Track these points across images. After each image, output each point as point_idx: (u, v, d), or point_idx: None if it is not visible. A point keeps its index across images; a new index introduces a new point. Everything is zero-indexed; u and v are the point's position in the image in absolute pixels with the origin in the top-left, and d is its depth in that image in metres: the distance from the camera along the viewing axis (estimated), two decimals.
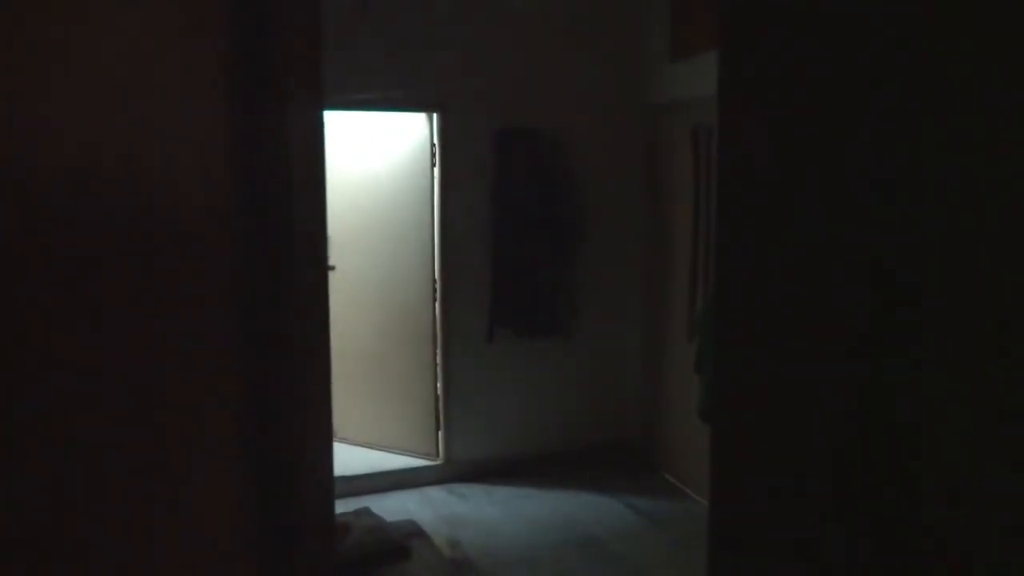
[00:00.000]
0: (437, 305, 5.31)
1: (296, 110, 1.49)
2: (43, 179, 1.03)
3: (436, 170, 5.21)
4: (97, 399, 1.18)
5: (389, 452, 5.49)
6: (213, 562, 1.34)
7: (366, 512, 4.51)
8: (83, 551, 1.16)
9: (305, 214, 1.48)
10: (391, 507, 4.84)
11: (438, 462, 5.39)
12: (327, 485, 1.55)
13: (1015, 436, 1.22)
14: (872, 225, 1.46)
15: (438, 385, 5.37)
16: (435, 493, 5.18)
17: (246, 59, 1.37)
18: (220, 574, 1.32)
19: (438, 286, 5.29)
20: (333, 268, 5.48)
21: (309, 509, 1.46)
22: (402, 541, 4.23)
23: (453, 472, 5.35)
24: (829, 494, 1.59)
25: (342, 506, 4.67)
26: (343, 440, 5.55)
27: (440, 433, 5.39)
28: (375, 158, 5.42)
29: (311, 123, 1.53)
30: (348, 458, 5.35)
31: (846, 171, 1.52)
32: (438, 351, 5.34)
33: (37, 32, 1.06)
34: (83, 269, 1.15)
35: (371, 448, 5.53)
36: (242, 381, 1.38)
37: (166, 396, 1.31)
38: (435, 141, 5.19)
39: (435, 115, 5.17)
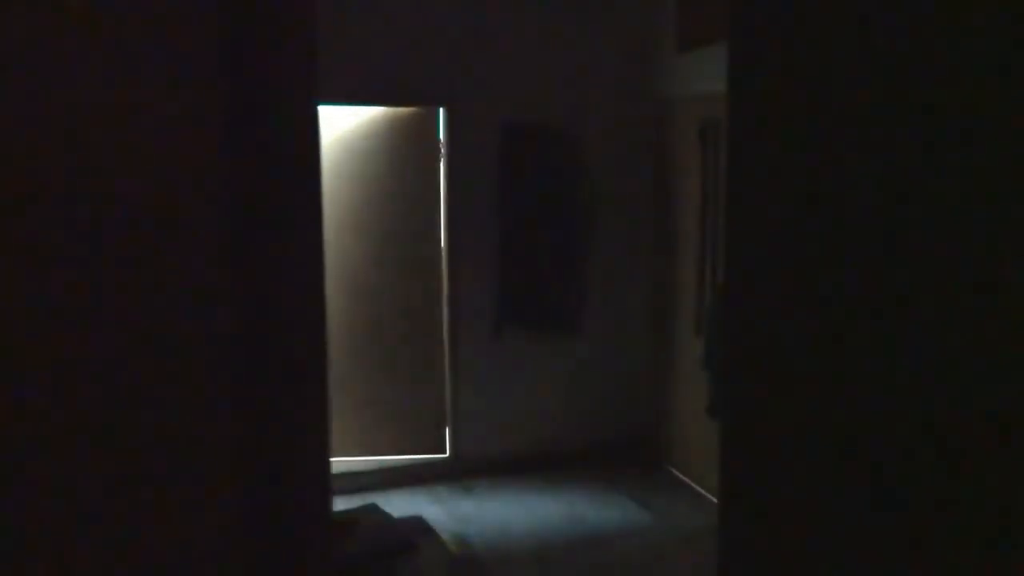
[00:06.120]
0: (445, 300, 5.29)
1: (290, 101, 1.47)
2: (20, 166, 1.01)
3: (442, 164, 5.19)
4: (82, 397, 1.16)
5: (397, 457, 5.43)
6: (197, 560, 1.32)
7: (373, 508, 4.49)
8: (65, 543, 1.14)
9: (299, 209, 1.46)
10: (398, 503, 4.83)
11: (446, 458, 5.38)
12: (324, 484, 1.53)
13: None
14: (882, 220, 1.43)
15: (446, 381, 5.35)
16: (443, 489, 5.16)
17: (234, 47, 1.35)
18: (203, 572, 1.31)
19: (445, 281, 5.27)
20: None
21: (304, 508, 1.44)
22: (409, 538, 4.20)
23: (461, 468, 5.34)
24: (837, 489, 1.56)
25: (349, 502, 4.66)
26: (346, 457, 5.43)
27: (448, 429, 5.38)
28: (382, 153, 5.40)
29: (306, 114, 1.50)
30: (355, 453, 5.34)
31: (857, 167, 1.49)
32: (446, 346, 5.32)
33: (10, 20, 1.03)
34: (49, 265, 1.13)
35: (378, 457, 5.44)
36: (232, 376, 1.37)
37: (152, 393, 1.29)
38: (442, 136, 5.18)
39: (442, 110, 5.16)
